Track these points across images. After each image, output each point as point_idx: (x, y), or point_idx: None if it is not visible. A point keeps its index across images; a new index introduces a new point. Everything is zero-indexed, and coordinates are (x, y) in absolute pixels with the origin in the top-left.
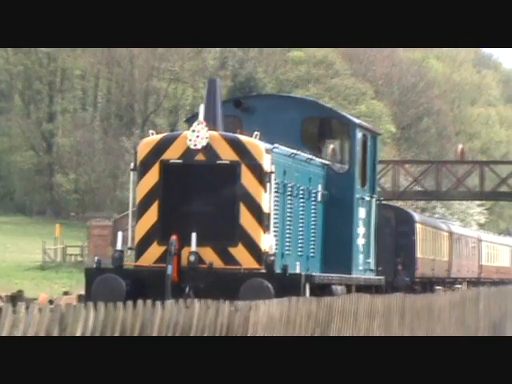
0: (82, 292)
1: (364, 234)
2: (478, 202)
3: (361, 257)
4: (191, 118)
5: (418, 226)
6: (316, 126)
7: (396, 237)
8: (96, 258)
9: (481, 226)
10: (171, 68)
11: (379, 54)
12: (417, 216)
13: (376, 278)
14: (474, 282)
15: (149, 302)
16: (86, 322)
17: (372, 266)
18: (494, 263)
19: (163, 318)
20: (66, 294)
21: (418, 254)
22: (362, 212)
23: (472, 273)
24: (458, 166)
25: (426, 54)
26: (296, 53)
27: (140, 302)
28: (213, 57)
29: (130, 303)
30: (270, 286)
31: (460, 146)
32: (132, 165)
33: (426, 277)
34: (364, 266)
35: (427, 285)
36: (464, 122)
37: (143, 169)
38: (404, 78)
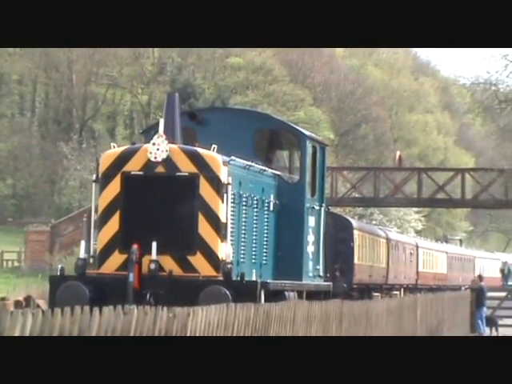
0: (20, 297)
1: (313, 242)
2: (415, 209)
3: (310, 263)
4: (147, 130)
5: (356, 233)
6: (268, 137)
7: (334, 243)
8: (60, 266)
9: (418, 232)
10: (109, 73)
11: (318, 60)
12: (354, 222)
13: (325, 283)
14: (411, 289)
15: (87, 308)
16: (24, 328)
17: (321, 273)
18: (431, 270)
19: (101, 324)
20: (2, 299)
21: (356, 261)
22: (311, 220)
23: (409, 279)
24: (396, 172)
25: (365, 61)
26: (234, 59)
27: (78, 307)
28: (151, 62)
29: (67, 309)
30: (228, 292)
31: (398, 153)
32: (94, 176)
33: (363, 283)
34: (313, 273)
35: (365, 291)
36: (402, 129)
37: (105, 180)
38: (342, 84)
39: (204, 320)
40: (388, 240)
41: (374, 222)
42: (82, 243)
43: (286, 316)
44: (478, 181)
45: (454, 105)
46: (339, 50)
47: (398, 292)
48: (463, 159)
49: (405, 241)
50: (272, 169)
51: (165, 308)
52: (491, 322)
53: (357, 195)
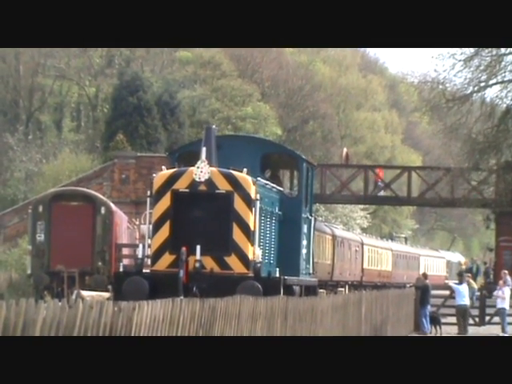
0: None
1: (306, 245)
2: (361, 206)
3: (303, 263)
4: (172, 153)
5: None
6: (272, 160)
7: None
8: (121, 264)
9: (364, 229)
10: (57, 65)
11: (266, 56)
12: None
13: (313, 279)
14: (356, 286)
15: (32, 300)
16: None
17: (311, 271)
18: (376, 267)
19: (46, 317)
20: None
21: None
22: (305, 228)
23: (354, 276)
24: (343, 169)
25: (313, 58)
26: (183, 53)
27: (23, 300)
28: (99, 54)
29: (12, 302)
30: (259, 286)
31: (345, 150)
32: (148, 192)
33: None
34: (305, 270)
35: (310, 287)
36: (349, 126)
37: (158, 196)
38: (290, 80)
39: (149, 314)
40: (334, 237)
41: (319, 219)
42: (140, 246)
43: (232, 312)
44: (424, 179)
45: (401, 103)
46: None
47: (343, 289)
48: (410, 157)
49: (350, 238)
50: (276, 185)
51: (110, 302)
52: (435, 320)
53: None
